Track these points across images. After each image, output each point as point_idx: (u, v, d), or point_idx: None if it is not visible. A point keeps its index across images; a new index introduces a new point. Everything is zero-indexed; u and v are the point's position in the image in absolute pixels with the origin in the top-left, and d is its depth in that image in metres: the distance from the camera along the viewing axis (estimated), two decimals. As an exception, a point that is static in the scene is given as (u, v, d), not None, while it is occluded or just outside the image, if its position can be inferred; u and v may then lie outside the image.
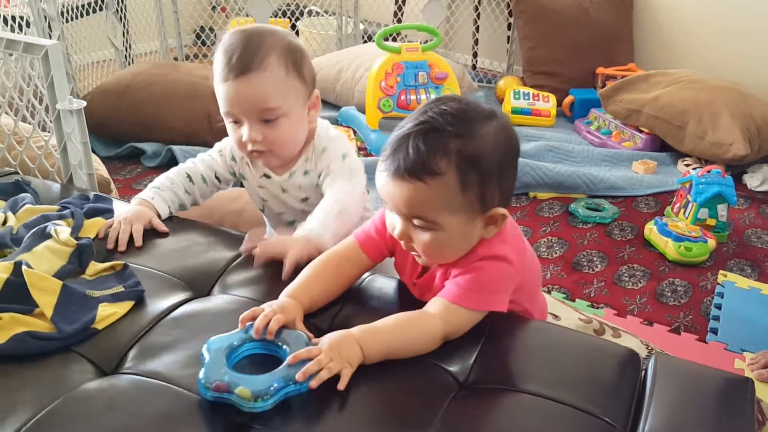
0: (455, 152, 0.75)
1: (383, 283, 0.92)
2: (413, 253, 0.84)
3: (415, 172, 0.75)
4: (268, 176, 1.11)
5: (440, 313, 0.79)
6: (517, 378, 0.76)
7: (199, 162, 1.13)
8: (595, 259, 1.84)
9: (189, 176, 1.11)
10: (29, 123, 1.30)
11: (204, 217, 1.23)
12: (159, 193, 1.07)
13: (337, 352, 0.74)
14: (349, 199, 1.03)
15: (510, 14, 2.98)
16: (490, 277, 0.81)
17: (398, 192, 0.77)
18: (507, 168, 0.80)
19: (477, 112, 0.79)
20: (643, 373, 0.80)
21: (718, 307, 1.64)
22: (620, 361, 0.80)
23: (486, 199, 0.78)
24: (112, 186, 1.44)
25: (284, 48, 1.00)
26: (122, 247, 0.98)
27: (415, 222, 0.79)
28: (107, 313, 0.83)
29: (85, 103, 1.16)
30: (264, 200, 1.15)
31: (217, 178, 1.13)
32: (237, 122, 1.02)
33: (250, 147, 1.01)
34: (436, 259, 0.84)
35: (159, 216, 1.05)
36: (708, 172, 1.96)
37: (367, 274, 0.94)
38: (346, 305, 0.88)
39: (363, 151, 2.37)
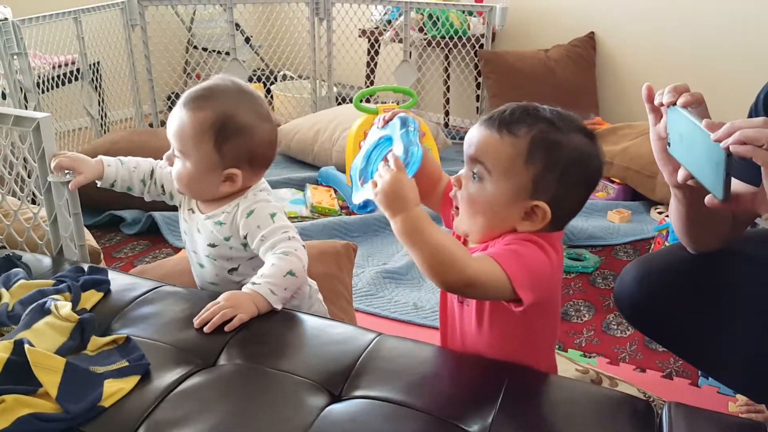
0: (538, 130, 0.83)
1: (394, 344, 0.92)
2: (453, 210, 0.90)
3: (498, 124, 0.85)
4: (192, 211, 1.14)
5: (475, 257, 0.81)
6: (539, 435, 0.76)
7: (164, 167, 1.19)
8: (582, 308, 1.86)
9: (152, 171, 1.18)
10: (18, 196, 1.28)
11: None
12: (118, 163, 1.16)
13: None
14: (294, 260, 1.04)
15: (479, 74, 3.09)
16: (527, 254, 0.83)
17: (478, 134, 0.86)
18: (571, 179, 0.84)
19: (580, 125, 0.86)
20: (658, 421, 0.80)
21: (707, 351, 1.66)
22: (636, 413, 0.81)
23: (539, 185, 0.83)
24: (102, 256, 1.42)
25: (221, 117, 1.03)
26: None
27: (474, 170, 0.86)
28: (114, 389, 0.81)
29: None
30: (185, 233, 1.18)
31: (162, 186, 1.18)
32: None
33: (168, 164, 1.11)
34: (467, 219, 0.88)
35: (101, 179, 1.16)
36: (683, 218, 2.02)
37: (374, 334, 0.94)
38: (357, 366, 0.87)
39: (345, 209, 2.38)
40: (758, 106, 1.03)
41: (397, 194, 0.79)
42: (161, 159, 1.14)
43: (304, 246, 1.08)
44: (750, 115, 1.05)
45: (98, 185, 1.18)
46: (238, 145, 1.05)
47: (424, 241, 0.78)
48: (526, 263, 0.82)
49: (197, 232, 1.14)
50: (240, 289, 1.01)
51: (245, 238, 1.08)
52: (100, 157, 1.16)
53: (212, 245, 1.12)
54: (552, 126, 0.84)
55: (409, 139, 0.83)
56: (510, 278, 0.79)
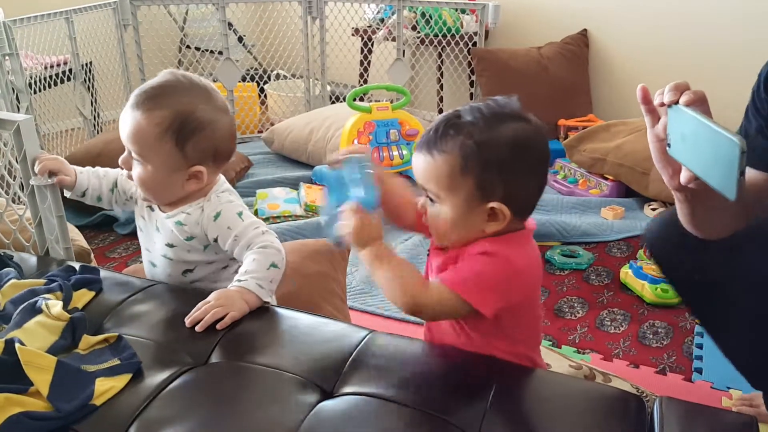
0: (464, 137, 0.84)
1: (385, 341, 0.92)
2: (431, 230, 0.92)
3: (428, 147, 0.86)
4: (152, 208, 1.12)
5: (430, 285, 0.86)
6: None
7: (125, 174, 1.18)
8: (575, 305, 1.87)
9: (115, 182, 1.18)
10: (3, 197, 1.28)
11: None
12: (89, 170, 1.17)
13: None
14: (273, 251, 1.05)
15: (472, 72, 3.10)
16: (483, 272, 0.84)
17: (417, 162, 0.88)
18: (516, 168, 0.84)
19: (507, 112, 0.85)
20: (648, 417, 0.81)
21: (700, 346, 1.67)
22: (628, 408, 0.81)
23: (485, 188, 0.84)
24: (92, 256, 1.41)
25: (180, 115, 1.00)
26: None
27: (428, 195, 0.88)
28: (105, 388, 0.81)
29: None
30: (141, 230, 1.16)
31: (125, 192, 1.18)
32: None
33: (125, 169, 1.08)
34: (438, 235, 0.91)
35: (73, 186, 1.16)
36: (675, 215, 2.03)
37: (366, 332, 0.94)
38: (349, 363, 0.87)
39: (339, 209, 2.38)
40: (760, 87, 1.01)
41: (361, 234, 0.87)
42: None
43: (277, 237, 1.08)
44: (753, 97, 1.02)
45: (68, 196, 1.17)
46: (201, 141, 1.02)
47: (380, 270, 0.87)
48: (483, 280, 0.84)
49: (156, 230, 1.12)
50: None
51: (215, 240, 1.07)
52: (72, 166, 1.16)
53: (170, 245, 1.10)
54: (476, 127, 0.83)
55: (364, 183, 0.90)
56: (466, 300, 0.83)
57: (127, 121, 1.01)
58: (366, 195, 0.89)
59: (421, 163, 0.87)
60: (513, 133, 0.84)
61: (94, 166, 1.20)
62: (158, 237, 1.11)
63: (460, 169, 0.84)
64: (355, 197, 0.89)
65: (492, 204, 0.84)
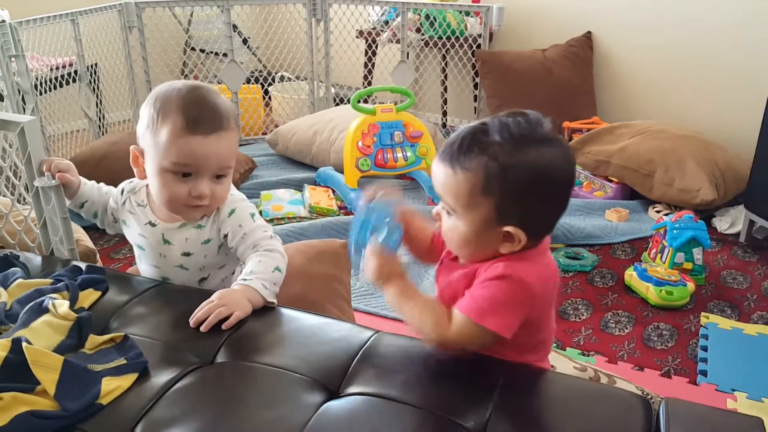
0: (488, 158, 0.81)
1: (391, 341, 0.92)
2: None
3: (450, 160, 0.84)
4: (153, 224, 1.10)
5: (453, 320, 0.85)
6: None
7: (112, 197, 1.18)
8: (580, 307, 1.87)
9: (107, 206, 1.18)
10: (8, 198, 1.28)
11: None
12: (93, 184, 1.18)
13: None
14: (278, 256, 1.06)
15: (476, 74, 3.10)
16: (498, 297, 0.83)
17: (437, 172, 0.87)
18: (538, 196, 0.82)
19: (534, 133, 0.82)
20: (654, 418, 0.80)
21: (704, 348, 1.67)
22: (633, 409, 0.81)
23: (503, 212, 0.82)
24: (98, 256, 1.41)
25: (233, 110, 1.06)
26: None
27: (445, 206, 0.88)
28: (111, 387, 0.81)
29: None
30: (142, 249, 1.14)
31: (112, 215, 1.18)
32: (186, 175, 1.02)
33: (200, 201, 1.03)
34: (451, 246, 0.91)
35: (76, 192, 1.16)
36: (680, 217, 2.02)
37: (371, 332, 0.94)
38: (354, 363, 0.87)
39: (343, 210, 2.39)
40: None
41: (381, 275, 0.90)
42: None
43: (282, 242, 1.10)
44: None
45: (67, 205, 1.18)
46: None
47: (406, 306, 0.89)
48: (500, 305, 0.82)
49: (164, 243, 1.10)
50: None
51: (225, 237, 1.08)
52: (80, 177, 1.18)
53: (187, 254, 1.10)
54: (502, 148, 0.80)
55: (388, 228, 0.93)
56: (492, 330, 0.82)
57: (216, 146, 1.01)
58: (388, 239, 0.92)
59: (441, 175, 0.85)
60: (540, 161, 0.81)
61: (98, 167, 1.20)
62: (170, 250, 1.10)
63: (480, 189, 0.81)
64: (379, 240, 0.91)
65: (507, 228, 0.83)
